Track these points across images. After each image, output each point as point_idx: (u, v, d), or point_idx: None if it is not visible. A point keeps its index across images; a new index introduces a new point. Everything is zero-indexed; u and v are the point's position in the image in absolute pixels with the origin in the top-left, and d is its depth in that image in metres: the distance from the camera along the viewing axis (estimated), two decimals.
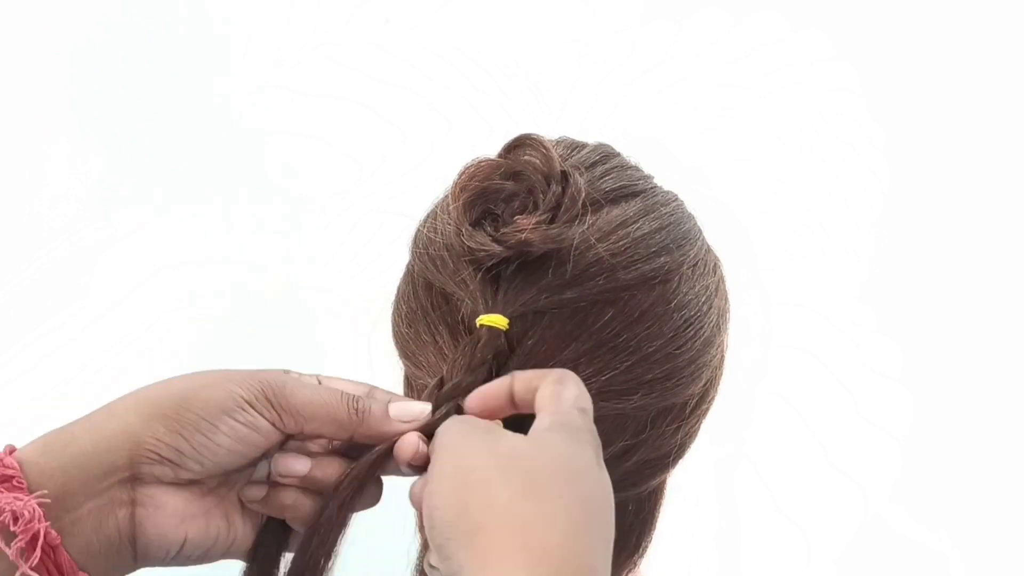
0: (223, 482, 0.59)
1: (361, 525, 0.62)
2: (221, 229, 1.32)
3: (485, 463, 0.52)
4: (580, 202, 0.59)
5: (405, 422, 0.59)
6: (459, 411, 0.59)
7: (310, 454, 0.60)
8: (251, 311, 1.32)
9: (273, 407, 0.58)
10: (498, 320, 0.58)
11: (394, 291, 0.68)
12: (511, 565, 0.48)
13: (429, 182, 0.68)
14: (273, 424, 0.58)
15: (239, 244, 1.32)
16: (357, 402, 0.59)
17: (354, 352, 1.25)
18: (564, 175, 0.60)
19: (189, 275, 1.31)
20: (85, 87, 1.31)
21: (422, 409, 0.59)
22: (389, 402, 0.59)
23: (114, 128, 1.31)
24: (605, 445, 0.60)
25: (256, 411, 0.57)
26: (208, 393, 0.57)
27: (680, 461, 0.66)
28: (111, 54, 1.31)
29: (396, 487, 0.62)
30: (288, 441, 0.60)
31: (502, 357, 0.59)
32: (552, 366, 0.59)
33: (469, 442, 0.54)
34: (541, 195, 0.59)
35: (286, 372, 0.62)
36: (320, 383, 0.62)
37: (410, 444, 0.58)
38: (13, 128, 1.30)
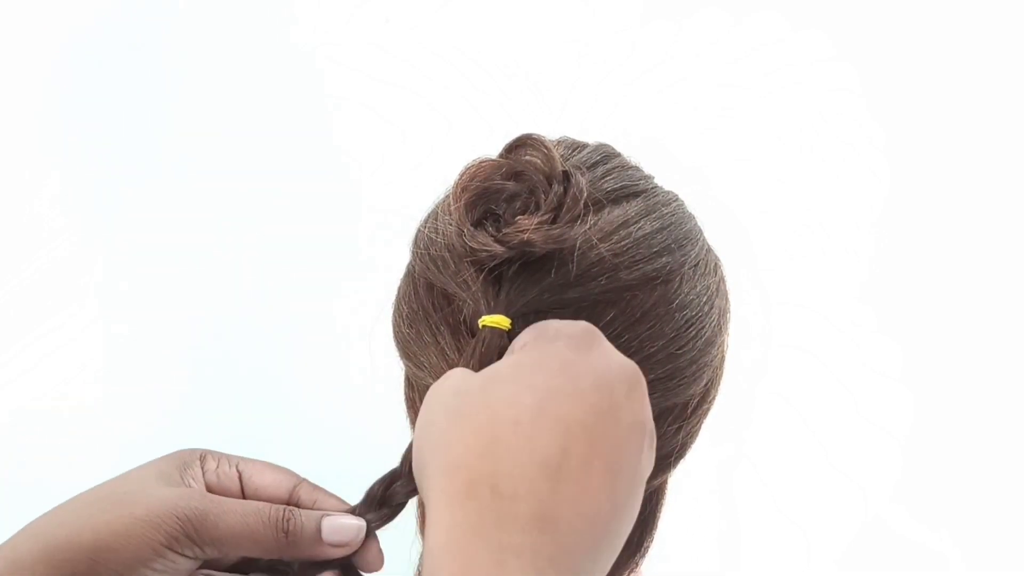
0: None
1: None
2: (221, 229, 1.32)
3: (437, 399, 0.52)
4: (582, 202, 0.59)
5: (337, 545, 0.57)
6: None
7: (225, 571, 0.58)
8: (251, 311, 1.32)
9: (195, 544, 0.54)
10: (500, 321, 0.58)
11: (394, 291, 0.68)
12: (435, 493, 0.47)
13: (429, 182, 0.68)
14: (195, 558, 0.55)
15: (239, 244, 1.32)
16: (287, 524, 0.56)
17: (354, 352, 1.25)
18: (566, 175, 0.60)
19: (189, 275, 1.31)
20: (85, 87, 1.31)
21: (358, 529, 0.57)
22: (322, 519, 0.57)
23: (114, 128, 1.31)
24: None
25: (177, 553, 0.54)
26: (123, 545, 0.53)
27: (681, 461, 0.66)
28: (111, 54, 1.31)
29: None
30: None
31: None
32: None
33: (437, 386, 0.53)
34: (543, 195, 0.59)
35: (202, 458, 0.59)
36: (241, 477, 0.59)
37: None
38: (13, 128, 1.30)
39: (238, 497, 0.59)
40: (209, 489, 0.59)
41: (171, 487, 0.56)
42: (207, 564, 0.58)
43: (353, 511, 0.59)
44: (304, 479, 0.61)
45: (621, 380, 0.51)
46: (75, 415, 1.29)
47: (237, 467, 0.60)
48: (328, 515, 0.57)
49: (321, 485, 0.61)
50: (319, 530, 0.56)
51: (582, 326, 0.53)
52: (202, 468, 0.59)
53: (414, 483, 0.56)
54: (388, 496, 0.58)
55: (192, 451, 0.60)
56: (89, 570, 0.53)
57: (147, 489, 0.56)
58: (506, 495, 0.46)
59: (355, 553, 0.58)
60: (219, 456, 0.60)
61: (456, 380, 0.53)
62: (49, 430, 1.29)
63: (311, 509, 0.59)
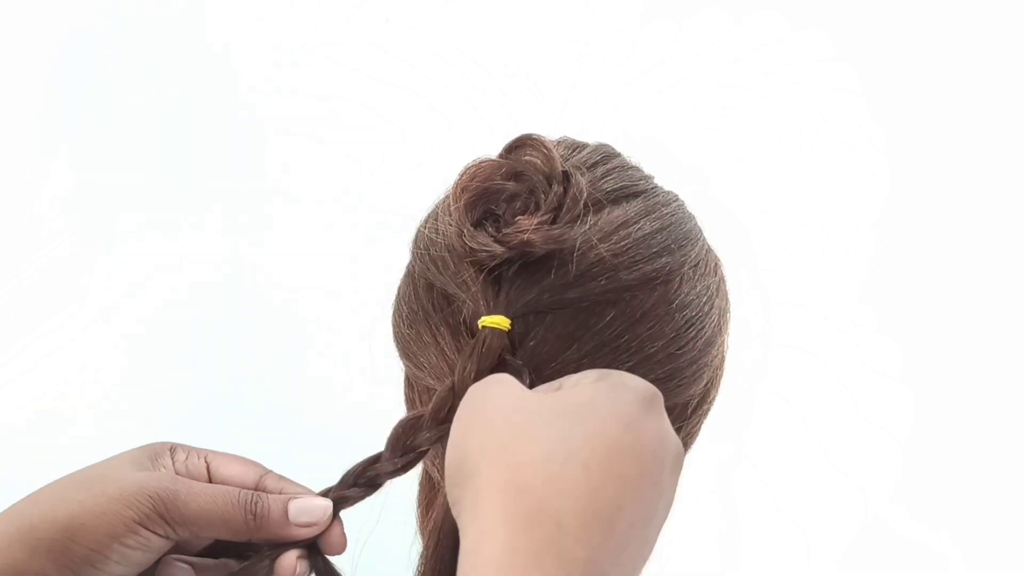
0: None
1: (362, 529, 0.62)
2: (221, 229, 1.32)
3: (494, 408, 0.52)
4: (582, 202, 0.59)
5: (304, 525, 0.58)
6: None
7: (196, 555, 0.60)
8: (251, 311, 1.32)
9: (167, 522, 0.56)
10: (500, 321, 0.58)
11: (394, 291, 0.68)
12: (492, 507, 0.48)
13: (429, 182, 0.68)
14: (167, 537, 0.57)
15: (239, 244, 1.32)
16: (255, 506, 0.58)
17: (354, 352, 1.25)
18: (566, 175, 0.60)
19: (189, 275, 1.31)
20: (85, 87, 1.31)
21: (324, 509, 0.59)
22: (289, 501, 0.58)
23: (114, 128, 1.31)
24: None
25: (148, 531, 0.56)
26: (96, 523, 0.55)
27: None
28: (112, 55, 1.31)
29: (397, 488, 0.62)
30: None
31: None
32: (555, 367, 0.59)
33: (488, 390, 0.54)
34: (543, 195, 0.59)
35: (172, 450, 0.61)
36: (209, 467, 0.61)
37: (288, 566, 0.58)
38: (13, 128, 1.30)
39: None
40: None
41: (143, 471, 0.58)
42: (177, 550, 0.60)
43: (324, 493, 0.60)
44: (270, 471, 0.62)
45: (673, 455, 0.52)
46: (75, 415, 1.29)
47: (205, 459, 0.62)
48: (294, 497, 0.59)
49: (320, 485, 0.62)
50: (286, 512, 0.58)
51: (653, 388, 0.53)
52: (172, 458, 0.61)
53: (396, 465, 0.58)
54: (371, 476, 0.59)
55: (163, 443, 0.62)
56: (64, 547, 0.54)
57: (120, 472, 0.58)
58: (570, 534, 0.47)
59: (320, 535, 0.59)
60: (188, 448, 0.62)
61: (516, 395, 0.53)
62: (49, 430, 1.29)
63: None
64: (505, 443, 0.50)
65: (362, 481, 0.60)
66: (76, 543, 0.55)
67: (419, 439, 0.59)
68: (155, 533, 0.56)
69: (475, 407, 0.53)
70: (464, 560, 0.48)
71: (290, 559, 0.59)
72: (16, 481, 1.32)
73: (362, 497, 0.60)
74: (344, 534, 0.61)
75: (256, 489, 0.61)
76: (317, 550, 0.60)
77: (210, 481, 0.61)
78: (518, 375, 0.57)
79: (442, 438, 0.57)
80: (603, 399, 0.51)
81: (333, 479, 0.62)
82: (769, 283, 1.26)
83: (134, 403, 1.30)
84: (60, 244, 1.30)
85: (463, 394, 0.56)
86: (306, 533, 0.59)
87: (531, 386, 0.57)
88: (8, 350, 1.29)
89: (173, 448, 0.61)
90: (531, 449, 0.49)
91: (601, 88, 1.33)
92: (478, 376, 0.57)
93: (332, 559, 0.61)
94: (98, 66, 1.31)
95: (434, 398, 0.59)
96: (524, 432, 0.50)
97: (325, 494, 0.60)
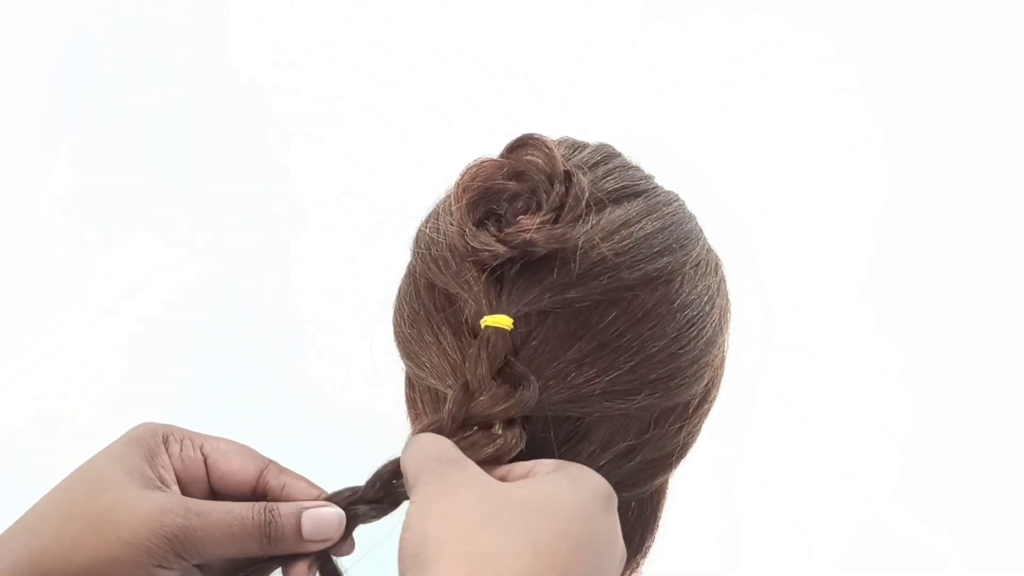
0: None
1: (363, 537, 0.62)
2: (221, 229, 1.32)
3: (456, 495, 0.51)
4: (584, 202, 0.59)
5: (319, 541, 0.58)
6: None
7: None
8: (251, 311, 1.32)
9: (183, 558, 0.56)
10: (502, 321, 0.58)
11: (395, 291, 0.68)
12: None
13: (429, 182, 0.68)
14: (180, 569, 0.56)
15: (239, 244, 1.32)
16: (268, 527, 0.57)
17: (354, 352, 1.25)
18: (567, 175, 0.60)
19: (189, 275, 1.31)
20: (85, 87, 1.31)
21: (338, 525, 0.58)
22: (302, 514, 0.57)
23: (114, 128, 1.31)
24: (609, 445, 0.60)
25: (165, 569, 0.55)
26: (115, 571, 0.54)
27: (682, 461, 0.66)
28: (111, 55, 1.31)
29: None
30: None
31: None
32: (557, 366, 0.59)
33: (450, 475, 0.53)
34: (544, 195, 0.59)
35: (166, 441, 0.59)
36: (207, 461, 0.59)
37: (299, 575, 0.58)
38: (13, 128, 1.30)
39: (205, 483, 0.60)
40: (178, 477, 0.59)
41: (147, 492, 0.56)
42: None
43: (331, 498, 0.59)
44: (271, 461, 0.61)
45: (621, 556, 0.53)
46: (75, 415, 1.29)
47: (202, 450, 0.60)
48: (307, 509, 0.58)
49: (320, 486, 0.61)
50: (299, 530, 0.57)
51: (609, 486, 0.54)
52: (168, 453, 0.59)
53: None
54: (397, 492, 0.58)
55: (153, 432, 0.59)
56: None
57: (125, 500, 0.56)
58: None
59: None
60: (181, 435, 0.60)
61: (480, 483, 0.52)
62: (49, 430, 1.29)
63: (282, 498, 0.59)
64: (467, 533, 0.49)
65: (385, 498, 0.58)
66: None
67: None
68: (171, 569, 0.56)
69: (436, 491, 0.52)
70: None
71: (301, 570, 0.58)
72: (16, 481, 1.32)
73: (380, 516, 0.59)
74: (354, 540, 0.60)
75: (257, 486, 0.60)
76: (326, 555, 0.60)
77: (208, 477, 0.60)
78: (524, 384, 0.57)
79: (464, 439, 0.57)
80: (567, 493, 0.51)
81: (333, 479, 0.62)
82: (769, 283, 1.26)
83: (134, 403, 1.30)
84: (60, 244, 1.30)
85: (479, 395, 0.56)
86: (320, 547, 0.58)
87: (540, 395, 0.57)
88: (8, 350, 1.28)
89: (167, 438, 0.59)
90: (497, 542, 0.49)
91: (601, 88, 1.33)
92: (492, 376, 0.57)
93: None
94: (98, 66, 1.31)
95: (449, 402, 0.58)
96: (488, 523, 0.49)
97: (338, 500, 0.59)
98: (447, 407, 0.58)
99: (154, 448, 0.59)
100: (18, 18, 1.30)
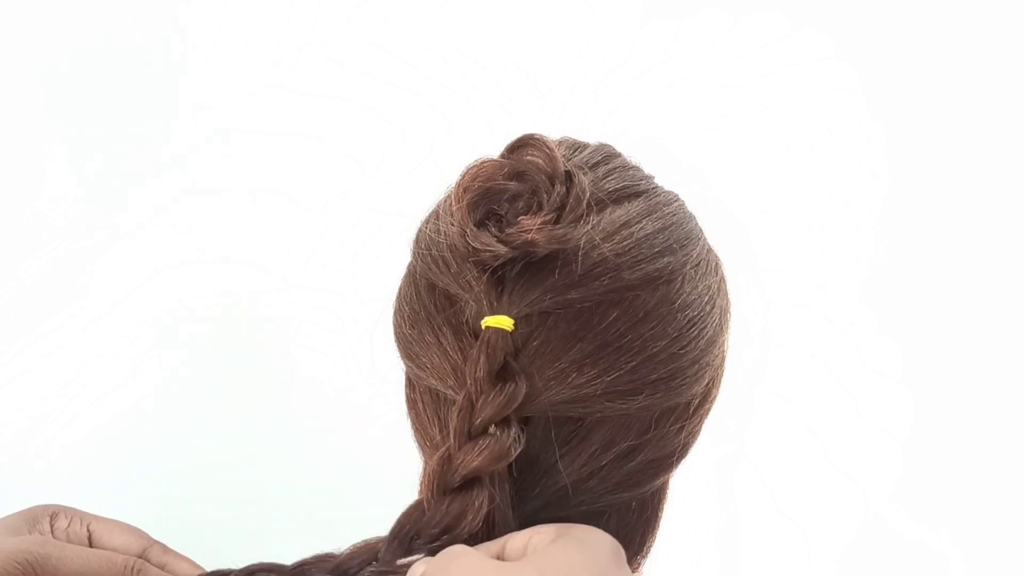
0: None
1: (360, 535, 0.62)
2: (221, 229, 1.32)
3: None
4: (584, 202, 0.59)
5: None
6: None
7: None
8: (250, 311, 1.32)
9: None
10: (503, 321, 0.58)
11: (394, 292, 0.68)
12: None
13: (429, 182, 0.68)
14: None
15: (239, 244, 1.32)
16: (136, 573, 0.57)
17: (354, 352, 1.25)
18: (568, 175, 0.60)
19: (189, 275, 1.31)
20: (85, 87, 1.31)
21: None
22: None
23: (114, 128, 1.31)
24: (610, 446, 0.60)
25: None
26: None
27: (683, 461, 0.66)
28: (111, 54, 1.31)
29: (397, 488, 0.62)
30: None
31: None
32: (558, 367, 0.58)
33: (453, 563, 0.52)
34: (545, 195, 0.59)
35: (53, 516, 0.60)
36: (91, 535, 0.60)
37: None
38: (13, 128, 1.30)
39: None
40: None
41: (16, 536, 0.58)
42: None
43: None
44: (156, 541, 0.61)
45: None
46: (75, 415, 1.29)
47: (88, 527, 0.61)
48: (171, 559, 0.58)
49: (319, 487, 0.61)
50: None
51: (615, 541, 0.53)
52: (51, 525, 0.60)
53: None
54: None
55: (45, 507, 0.61)
56: None
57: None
58: None
59: None
60: (71, 514, 0.61)
61: (487, 568, 0.51)
62: (49, 430, 1.29)
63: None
64: None
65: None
66: None
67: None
68: None
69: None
70: None
71: None
72: (16, 481, 1.32)
73: None
74: None
75: None
76: None
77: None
78: (515, 380, 0.56)
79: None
80: (579, 563, 0.51)
81: (333, 479, 0.62)
82: (769, 283, 1.26)
83: (134, 403, 1.30)
84: (60, 244, 1.30)
85: (479, 399, 0.56)
86: None
87: (540, 395, 0.56)
88: (8, 350, 1.28)
89: (55, 514, 0.61)
90: None
91: (601, 88, 1.33)
92: (490, 380, 0.57)
93: None
94: (98, 66, 1.31)
95: (454, 416, 0.57)
96: None
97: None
98: (454, 425, 0.56)
99: (39, 517, 0.61)
100: (18, 18, 1.30)
